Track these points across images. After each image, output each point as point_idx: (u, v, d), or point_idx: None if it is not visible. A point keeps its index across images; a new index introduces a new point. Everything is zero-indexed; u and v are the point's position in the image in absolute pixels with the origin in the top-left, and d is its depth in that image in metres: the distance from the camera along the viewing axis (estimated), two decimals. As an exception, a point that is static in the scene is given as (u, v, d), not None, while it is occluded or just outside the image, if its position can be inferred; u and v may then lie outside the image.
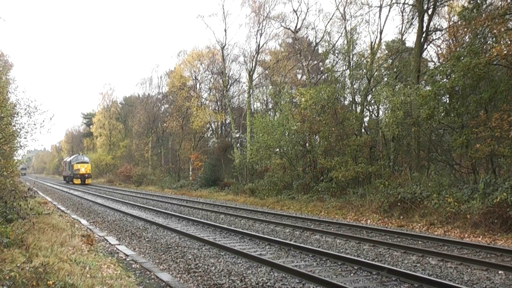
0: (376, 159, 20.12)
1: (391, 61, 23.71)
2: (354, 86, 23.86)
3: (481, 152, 14.01)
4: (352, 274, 8.01)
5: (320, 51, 31.20)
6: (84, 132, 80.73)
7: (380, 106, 23.09)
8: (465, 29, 15.91)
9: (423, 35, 19.09)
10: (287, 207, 20.46)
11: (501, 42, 14.43)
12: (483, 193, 12.92)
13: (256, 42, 33.65)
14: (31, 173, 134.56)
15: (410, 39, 27.99)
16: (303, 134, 23.56)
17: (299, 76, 36.62)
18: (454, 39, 18.59)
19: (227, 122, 40.92)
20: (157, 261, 9.58)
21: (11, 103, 14.07)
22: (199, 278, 7.99)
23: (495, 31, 14.42)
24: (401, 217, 14.91)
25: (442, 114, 16.30)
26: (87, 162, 52.88)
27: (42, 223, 12.19)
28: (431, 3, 19.02)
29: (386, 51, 25.05)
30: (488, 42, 15.75)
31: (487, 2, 15.14)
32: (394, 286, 7.21)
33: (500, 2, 15.07)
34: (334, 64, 26.78)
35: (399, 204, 15.31)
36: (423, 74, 19.62)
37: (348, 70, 23.77)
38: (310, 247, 10.15)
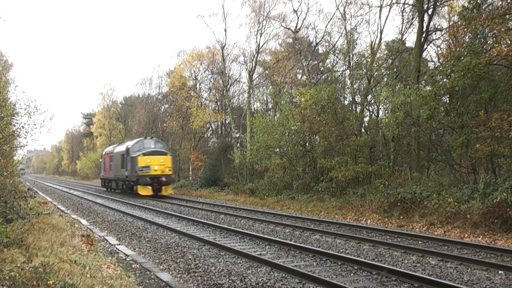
0: (376, 159, 20.12)
1: (391, 61, 23.71)
2: (354, 86, 23.86)
3: (481, 152, 14.00)
4: (352, 274, 8.01)
5: (320, 51, 31.20)
6: (84, 132, 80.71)
7: (380, 106, 23.10)
8: (465, 29, 15.90)
9: (423, 35, 19.08)
10: (287, 207, 20.45)
11: (501, 42, 14.44)
12: (483, 193, 12.92)
13: (256, 42, 33.66)
14: (31, 173, 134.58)
15: (410, 39, 27.99)
16: (303, 134, 23.56)
17: (299, 76, 36.62)
18: (454, 39, 18.58)
19: (227, 122, 40.91)
20: (157, 261, 9.58)
21: (11, 103, 14.09)
22: (199, 278, 7.99)
23: (495, 31, 14.42)
24: (401, 217, 14.90)
25: (442, 114, 16.30)
26: (164, 153, 28.70)
27: (42, 223, 12.19)
28: (431, 3, 19.01)
29: (386, 51, 25.04)
30: (488, 42, 15.75)
31: (487, 2, 15.14)
32: (394, 286, 7.21)
33: (500, 2, 15.06)
34: (334, 64, 26.80)
35: (399, 204, 15.31)
36: (423, 74, 19.61)
37: (348, 70, 23.78)
38: (310, 247, 10.15)
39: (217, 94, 41.55)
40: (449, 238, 11.44)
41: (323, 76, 31.16)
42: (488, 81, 15.22)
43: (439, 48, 23.62)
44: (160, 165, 27.58)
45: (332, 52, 25.93)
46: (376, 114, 24.27)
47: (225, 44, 35.57)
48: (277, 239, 11.35)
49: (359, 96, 23.87)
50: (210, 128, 43.28)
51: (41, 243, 8.99)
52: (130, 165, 28.44)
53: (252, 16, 32.69)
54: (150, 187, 27.37)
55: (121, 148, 32.05)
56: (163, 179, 27.64)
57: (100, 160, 40.52)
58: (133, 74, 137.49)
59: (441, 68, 16.78)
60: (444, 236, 12.08)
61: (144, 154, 27.64)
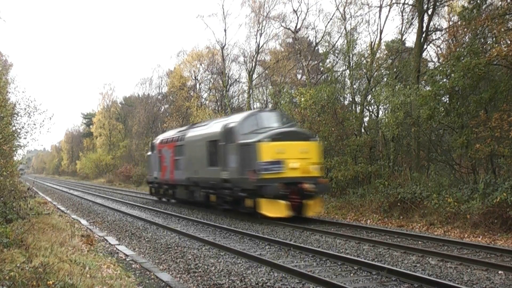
0: (376, 159, 20.11)
1: (391, 61, 23.71)
2: (354, 86, 23.85)
3: (481, 152, 14.00)
4: (352, 274, 8.01)
5: (320, 51, 31.20)
6: (84, 132, 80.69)
7: (380, 106, 23.10)
8: (465, 29, 15.90)
9: (423, 35, 19.09)
10: (287, 207, 20.39)
11: (501, 42, 14.45)
12: (483, 193, 12.91)
13: (256, 42, 33.67)
14: (30, 173, 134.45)
15: (410, 39, 27.97)
16: (303, 134, 23.50)
17: (299, 76, 36.61)
18: (454, 39, 18.56)
19: (227, 122, 40.90)
20: (157, 261, 9.59)
21: (11, 103, 14.10)
22: (199, 278, 7.99)
23: (495, 31, 14.43)
24: (401, 217, 14.90)
25: (442, 114, 16.31)
26: (305, 137, 15.52)
27: (42, 223, 12.20)
28: (431, 3, 19.01)
29: (386, 51, 25.04)
30: (488, 42, 15.76)
31: (487, 2, 15.15)
32: (394, 286, 7.21)
33: (500, 2, 15.07)
34: (334, 64, 26.80)
35: (399, 204, 15.30)
36: (423, 74, 19.62)
37: (348, 70, 23.77)
38: (310, 247, 10.15)
39: (217, 94, 41.57)
40: (449, 238, 11.44)
41: (323, 76, 31.14)
42: (488, 81, 15.22)
43: (439, 48, 23.62)
44: (301, 159, 14.74)
45: (332, 52, 25.93)
46: (376, 114, 24.28)
47: (225, 44, 35.57)
48: (277, 239, 11.35)
49: (359, 96, 23.86)
50: (210, 128, 43.23)
51: (41, 243, 8.99)
52: (238, 159, 15.40)
53: (252, 16, 32.73)
54: (284, 202, 14.38)
55: (206, 129, 18.56)
56: (307, 185, 14.49)
57: (149, 153, 25.95)
58: (133, 74, 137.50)
59: (441, 68, 16.78)
60: (444, 236, 12.08)
61: (272, 139, 14.60)
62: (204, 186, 18.33)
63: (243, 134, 15.47)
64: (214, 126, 17.96)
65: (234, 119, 16.78)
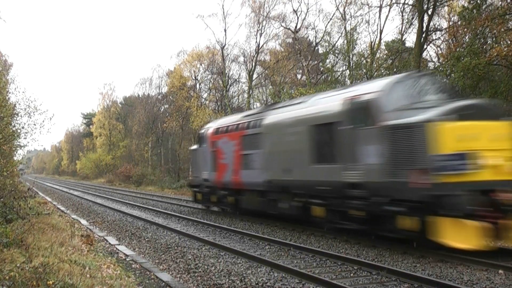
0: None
1: (391, 61, 23.72)
2: (354, 86, 23.85)
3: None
4: (352, 274, 8.00)
5: (320, 51, 31.23)
6: (84, 132, 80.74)
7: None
8: (465, 29, 15.93)
9: (423, 35, 19.10)
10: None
11: (501, 42, 14.46)
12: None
13: (256, 42, 33.72)
14: (30, 173, 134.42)
15: (410, 39, 28.00)
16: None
17: (299, 76, 36.63)
18: (454, 39, 18.59)
19: (227, 122, 40.82)
20: (157, 261, 9.58)
21: (11, 104, 14.08)
22: (199, 278, 7.99)
23: (495, 31, 14.45)
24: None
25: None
26: (496, 115, 9.12)
27: (42, 223, 12.18)
28: (431, 3, 19.03)
29: (386, 51, 25.06)
30: (488, 42, 15.77)
31: (487, 2, 15.16)
32: (394, 286, 7.21)
33: (500, 2, 15.09)
34: (334, 64, 26.83)
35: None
36: (423, 74, 19.61)
37: (348, 70, 23.79)
38: (310, 247, 10.15)
39: (217, 94, 41.57)
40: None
41: (323, 76, 31.16)
42: (488, 81, 15.25)
43: (439, 48, 23.66)
44: (496, 150, 8.88)
45: (332, 52, 25.98)
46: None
47: (225, 44, 35.60)
48: (277, 239, 11.35)
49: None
50: (210, 128, 43.18)
51: (41, 243, 8.98)
52: (384, 151, 9.63)
53: (252, 16, 32.77)
54: (477, 223, 8.42)
55: (307, 108, 12.55)
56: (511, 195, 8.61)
57: (194, 147, 20.45)
58: (133, 74, 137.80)
59: (441, 68, 16.82)
60: (444, 236, 12.04)
61: (459, 116, 8.77)
62: (301, 193, 12.60)
63: (391, 110, 9.71)
64: (325, 103, 11.91)
65: (367, 89, 10.67)
